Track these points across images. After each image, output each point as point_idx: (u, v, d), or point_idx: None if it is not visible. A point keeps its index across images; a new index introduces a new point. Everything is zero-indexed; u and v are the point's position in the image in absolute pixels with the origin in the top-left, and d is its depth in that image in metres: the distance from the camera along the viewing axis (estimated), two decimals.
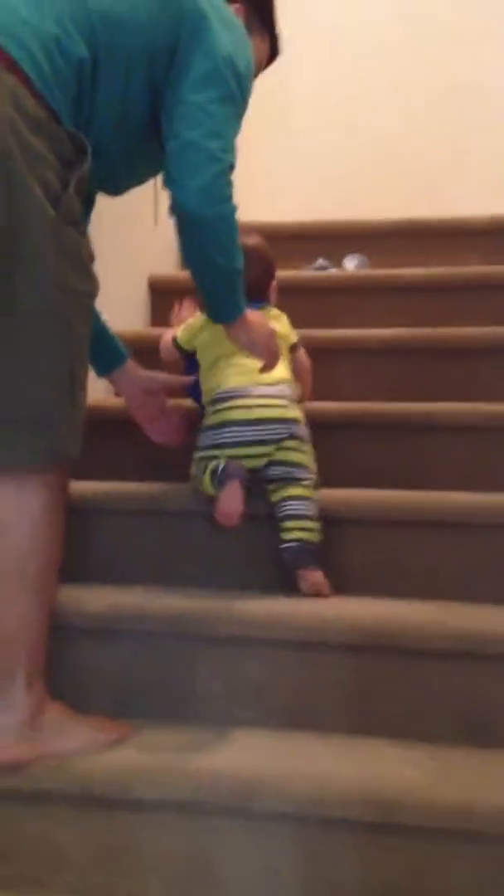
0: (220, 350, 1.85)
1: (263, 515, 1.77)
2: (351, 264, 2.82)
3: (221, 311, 1.67)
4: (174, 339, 1.98)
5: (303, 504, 1.72)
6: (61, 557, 1.49)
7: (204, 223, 1.50)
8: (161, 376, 1.94)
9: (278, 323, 1.92)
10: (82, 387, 1.47)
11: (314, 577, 1.70)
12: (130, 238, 2.36)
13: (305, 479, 1.74)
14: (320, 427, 2.01)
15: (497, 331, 2.27)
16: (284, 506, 1.73)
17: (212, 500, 1.72)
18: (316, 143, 3.72)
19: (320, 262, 2.81)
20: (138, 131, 1.54)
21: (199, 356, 1.92)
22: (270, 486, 1.76)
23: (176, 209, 1.52)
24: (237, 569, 1.79)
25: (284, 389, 1.80)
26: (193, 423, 1.93)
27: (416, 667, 1.52)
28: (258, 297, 1.88)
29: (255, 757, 1.43)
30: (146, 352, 2.41)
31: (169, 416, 1.95)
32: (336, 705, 1.54)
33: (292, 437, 1.75)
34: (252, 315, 1.69)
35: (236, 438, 1.75)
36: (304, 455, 1.76)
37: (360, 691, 1.54)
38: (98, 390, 2.00)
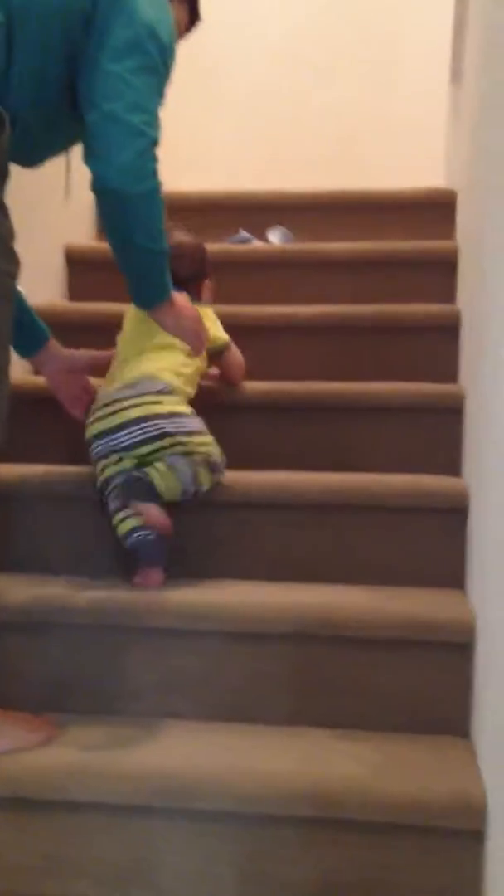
0: (122, 353, 1.82)
1: (195, 505, 1.73)
2: (275, 237, 2.76)
3: (147, 294, 1.61)
4: None
5: (180, 460, 1.67)
6: None
7: (128, 201, 1.44)
8: (83, 354, 1.87)
9: (209, 324, 1.88)
10: (3, 372, 1.38)
11: (146, 510, 1.64)
12: (43, 206, 2.24)
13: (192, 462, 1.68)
14: (244, 408, 1.99)
15: (427, 308, 2.25)
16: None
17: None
18: (239, 110, 3.65)
19: (242, 233, 2.74)
20: (55, 101, 1.46)
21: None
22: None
23: (98, 187, 1.45)
24: (169, 556, 1.74)
25: (150, 386, 1.72)
26: None
27: (359, 656, 1.50)
28: (191, 297, 1.83)
29: (194, 753, 1.38)
30: (63, 326, 2.32)
31: (91, 393, 1.87)
32: (278, 697, 1.52)
33: (168, 434, 1.68)
34: (179, 298, 1.65)
35: (104, 449, 1.70)
36: (192, 446, 1.69)
37: (301, 682, 1.51)
38: (15, 368, 1.91)
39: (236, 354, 1.97)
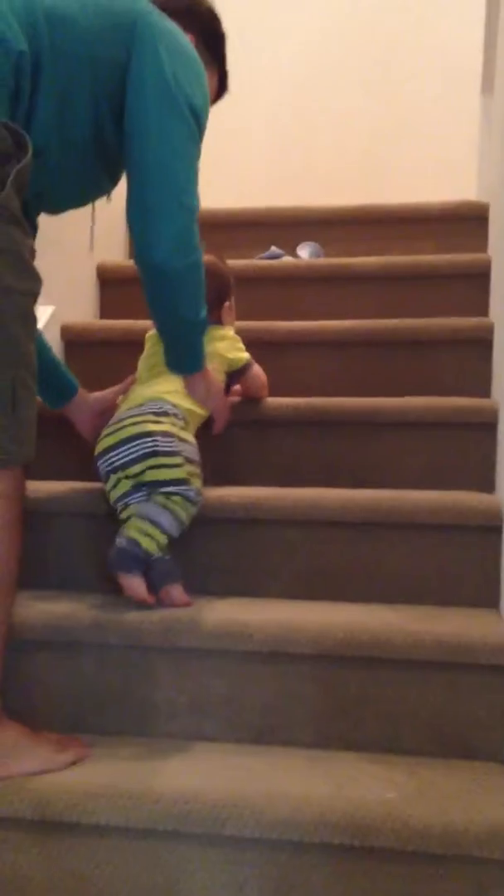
0: (140, 376, 1.83)
1: (219, 519, 1.72)
2: (304, 252, 2.75)
3: (183, 361, 1.63)
4: None
5: (152, 508, 1.64)
6: (18, 569, 1.40)
7: (173, 275, 1.46)
8: (109, 393, 1.90)
9: (228, 343, 1.88)
10: (26, 388, 1.37)
11: (127, 581, 1.59)
12: (75, 225, 2.26)
13: (169, 491, 1.65)
14: (273, 423, 1.97)
15: (459, 322, 2.22)
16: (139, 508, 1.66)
17: None
18: (265, 127, 3.66)
19: (273, 249, 2.73)
20: (81, 146, 1.46)
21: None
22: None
23: (142, 260, 1.47)
24: (196, 575, 1.72)
25: (151, 406, 1.71)
26: None
27: (390, 677, 1.47)
28: (210, 318, 1.79)
29: (224, 777, 1.36)
30: (99, 343, 2.33)
31: None
32: (307, 718, 1.49)
33: (155, 453, 1.65)
34: (210, 372, 1.68)
35: (111, 464, 1.68)
36: (172, 470, 1.66)
37: (331, 703, 1.49)
38: None
39: (258, 373, 1.95)
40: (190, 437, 1.72)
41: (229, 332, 1.91)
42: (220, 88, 1.76)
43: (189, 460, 1.68)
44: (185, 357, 1.61)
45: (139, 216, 1.45)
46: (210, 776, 1.37)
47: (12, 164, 1.31)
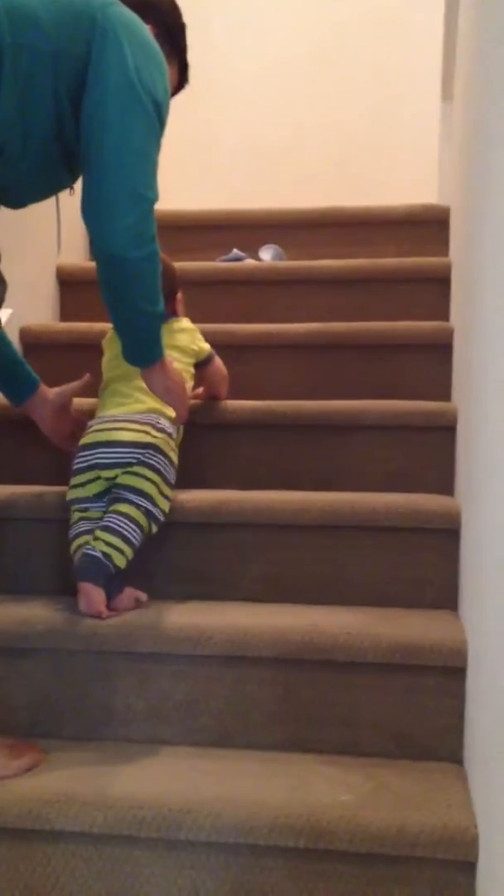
0: (111, 373, 1.82)
1: (179, 523, 1.72)
2: (266, 255, 2.75)
3: (142, 355, 1.61)
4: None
5: (123, 522, 1.63)
6: None
7: (129, 266, 1.44)
8: (67, 388, 1.88)
9: (189, 335, 1.89)
10: None
11: (95, 594, 1.58)
12: (35, 227, 2.24)
13: (140, 504, 1.65)
14: (232, 426, 1.97)
15: (420, 325, 2.23)
16: (106, 518, 1.65)
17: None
18: (231, 130, 3.66)
19: (235, 252, 2.73)
20: (44, 142, 1.45)
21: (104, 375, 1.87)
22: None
23: (98, 251, 1.45)
24: (156, 579, 1.72)
25: (151, 417, 1.73)
26: None
27: (348, 680, 1.48)
28: (167, 311, 1.81)
29: (179, 781, 1.35)
30: (58, 346, 2.31)
31: (82, 426, 1.88)
32: (265, 722, 1.49)
33: (141, 463, 1.67)
34: (169, 363, 1.65)
35: (96, 461, 1.69)
36: (147, 483, 1.67)
37: (288, 707, 1.49)
38: None
39: (220, 366, 1.96)
40: (175, 459, 1.74)
41: (187, 323, 1.92)
42: (181, 80, 1.74)
43: (168, 484, 1.69)
44: (143, 350, 1.59)
45: (96, 208, 1.43)
46: (166, 781, 1.36)
47: None
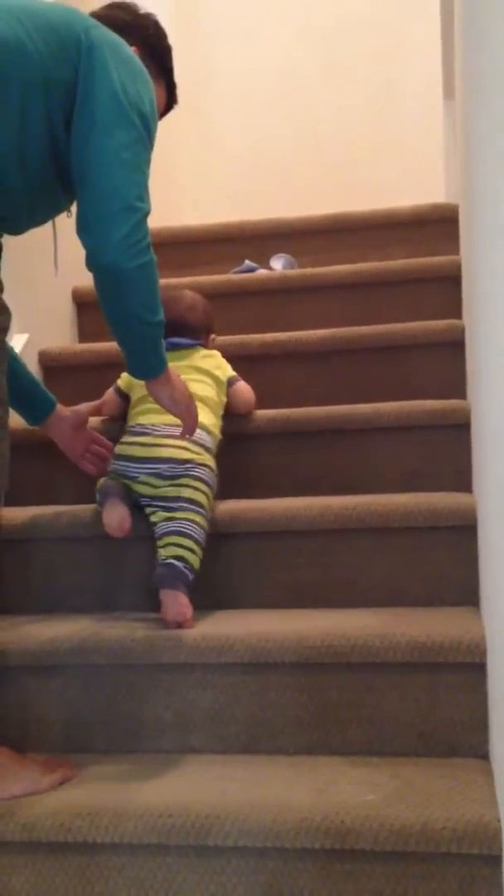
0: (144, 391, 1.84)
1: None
2: (278, 264, 2.77)
3: (144, 366, 1.61)
4: (116, 387, 1.97)
5: (185, 524, 1.67)
6: None
7: (124, 276, 1.45)
8: (84, 407, 1.92)
9: (214, 361, 1.94)
10: (2, 425, 1.40)
11: (181, 600, 1.61)
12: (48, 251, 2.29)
13: (195, 508, 1.69)
14: (249, 436, 2.00)
15: (433, 325, 2.24)
16: (166, 525, 1.68)
17: None
18: (235, 140, 3.69)
19: (247, 263, 2.75)
20: (40, 166, 1.48)
21: (132, 395, 1.91)
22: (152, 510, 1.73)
23: (92, 263, 1.47)
24: None
25: (205, 438, 1.78)
26: None
27: (370, 681, 1.49)
28: (198, 341, 1.94)
29: (207, 789, 1.37)
30: (75, 368, 2.35)
31: (100, 443, 1.91)
32: (290, 726, 1.51)
33: (187, 475, 1.71)
34: (174, 374, 1.65)
35: (132, 472, 1.74)
36: (197, 493, 1.71)
37: (312, 710, 1.50)
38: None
39: (243, 390, 1.99)
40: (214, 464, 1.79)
41: (215, 353, 1.97)
42: (169, 101, 1.77)
43: (208, 500, 1.73)
44: (146, 361, 1.59)
45: (90, 221, 1.45)
46: (195, 788, 1.38)
47: None
